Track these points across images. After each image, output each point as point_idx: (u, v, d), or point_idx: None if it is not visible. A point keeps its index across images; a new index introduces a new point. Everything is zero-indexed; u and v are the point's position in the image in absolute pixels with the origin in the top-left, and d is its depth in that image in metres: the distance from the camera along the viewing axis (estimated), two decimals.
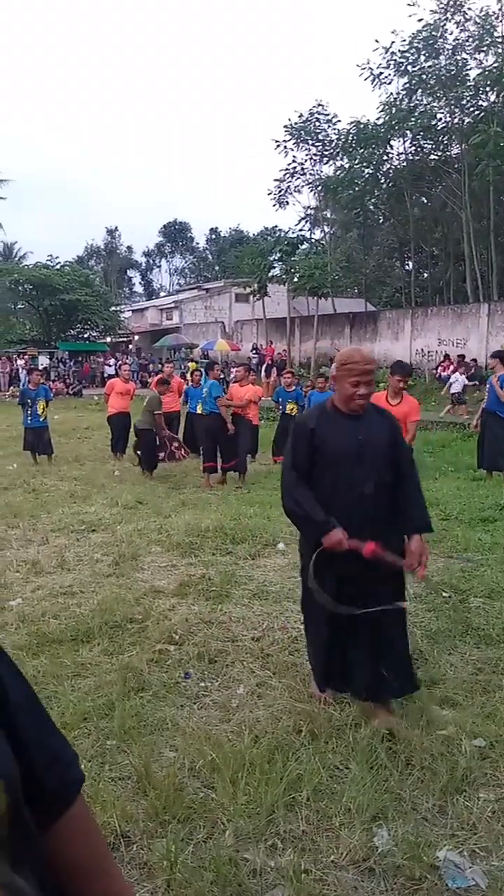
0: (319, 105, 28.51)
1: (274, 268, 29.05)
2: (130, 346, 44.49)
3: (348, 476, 3.03)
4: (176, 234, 72.61)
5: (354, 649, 3.15)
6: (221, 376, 10.99)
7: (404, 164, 28.22)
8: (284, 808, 2.54)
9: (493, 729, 3.07)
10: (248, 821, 2.46)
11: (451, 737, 2.99)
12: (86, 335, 39.72)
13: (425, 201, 30.87)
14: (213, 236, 72.33)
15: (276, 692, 3.45)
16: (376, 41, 25.36)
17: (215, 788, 2.65)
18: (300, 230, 32.09)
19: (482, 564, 5.50)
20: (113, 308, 40.45)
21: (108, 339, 41.48)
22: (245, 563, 5.60)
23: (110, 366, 31.33)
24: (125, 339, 45.10)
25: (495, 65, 23.23)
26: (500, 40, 23.17)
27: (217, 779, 2.69)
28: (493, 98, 24.11)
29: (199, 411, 11.72)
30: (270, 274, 28.97)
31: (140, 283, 77.33)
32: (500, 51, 23.19)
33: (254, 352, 31.01)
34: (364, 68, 26.32)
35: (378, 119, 26.80)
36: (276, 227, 36.68)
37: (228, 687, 3.53)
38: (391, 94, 26.68)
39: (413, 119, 25.36)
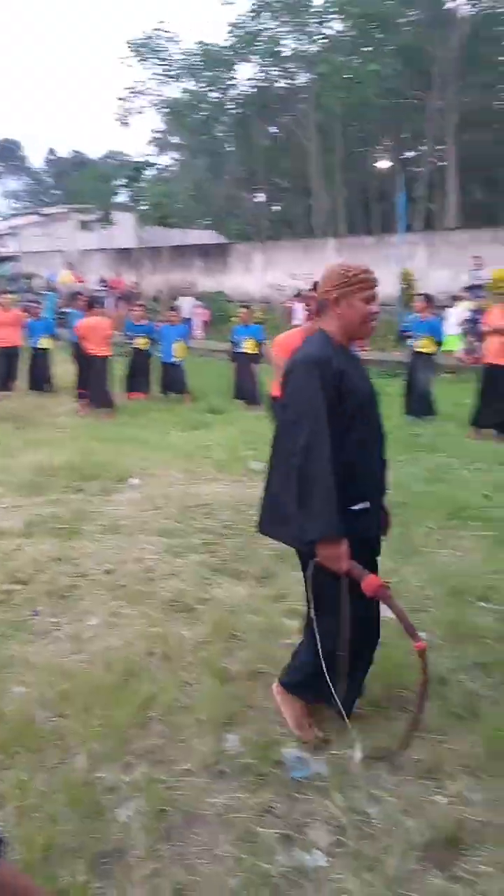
0: (161, 22, 26.99)
1: (117, 193, 27.64)
2: None
3: (375, 429, 2.43)
4: (6, 153, 66.36)
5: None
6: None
7: (252, 90, 27.65)
8: (138, 727, 2.60)
9: None
10: (102, 743, 2.50)
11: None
12: None
13: (274, 131, 30.60)
14: (52, 157, 67.03)
15: (130, 619, 3.48)
16: None
17: (68, 717, 2.65)
18: (147, 156, 30.71)
19: None
20: None
21: None
22: (97, 499, 5.49)
23: None
24: None
25: None
26: None
27: (69, 707, 2.69)
28: (338, 27, 24.07)
29: (41, 346, 11.16)
30: (115, 200, 27.56)
31: None
32: None
33: (102, 284, 29.65)
34: None
35: (225, 41, 25.90)
36: (121, 152, 34.75)
37: (80, 620, 3.50)
38: (238, 15, 25.81)
39: (258, 43, 24.76)
